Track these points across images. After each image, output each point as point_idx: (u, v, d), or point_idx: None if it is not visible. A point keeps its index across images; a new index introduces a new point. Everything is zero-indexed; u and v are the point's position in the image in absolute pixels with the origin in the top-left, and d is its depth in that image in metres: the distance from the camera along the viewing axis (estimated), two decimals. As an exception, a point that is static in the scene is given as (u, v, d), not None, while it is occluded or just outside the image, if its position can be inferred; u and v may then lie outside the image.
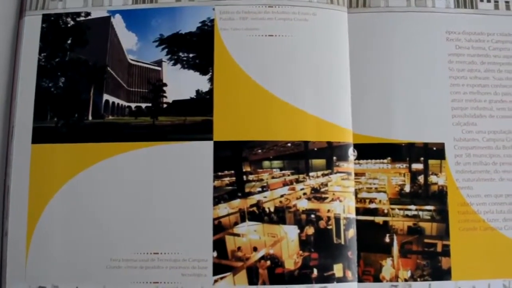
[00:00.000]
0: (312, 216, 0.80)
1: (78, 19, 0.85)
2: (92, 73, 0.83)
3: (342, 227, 0.79)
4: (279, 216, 0.80)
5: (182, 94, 0.82)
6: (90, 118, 0.82)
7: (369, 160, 0.81)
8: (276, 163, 0.82)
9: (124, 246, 0.78)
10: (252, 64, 0.82)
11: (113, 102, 0.83)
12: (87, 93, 0.83)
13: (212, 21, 0.83)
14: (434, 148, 0.82)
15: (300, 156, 0.81)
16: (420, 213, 0.81)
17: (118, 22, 0.84)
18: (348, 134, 0.81)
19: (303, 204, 0.81)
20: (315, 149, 0.81)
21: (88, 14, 0.85)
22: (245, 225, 0.79)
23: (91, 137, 0.81)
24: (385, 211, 0.81)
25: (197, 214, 0.78)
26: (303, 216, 0.80)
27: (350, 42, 0.83)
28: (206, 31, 0.83)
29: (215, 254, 0.77)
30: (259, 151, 0.81)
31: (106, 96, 0.83)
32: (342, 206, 0.80)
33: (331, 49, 0.83)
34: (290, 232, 0.79)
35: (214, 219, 0.78)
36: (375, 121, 0.82)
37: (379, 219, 0.80)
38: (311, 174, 0.82)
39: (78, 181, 0.80)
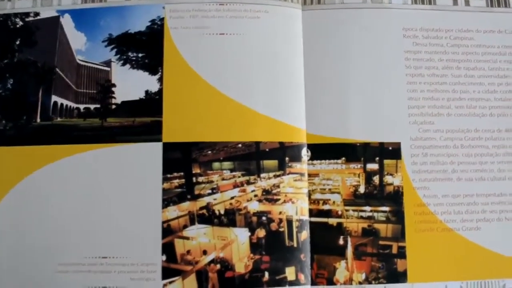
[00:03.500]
0: (264, 218, 0.76)
1: (27, 19, 0.81)
2: (41, 74, 0.79)
3: (294, 230, 0.75)
4: (229, 218, 0.76)
5: (131, 95, 0.78)
6: (38, 120, 0.78)
7: (323, 161, 0.77)
8: (227, 164, 0.77)
9: (72, 251, 0.74)
10: (202, 63, 0.78)
11: (62, 104, 0.79)
12: (36, 95, 0.79)
13: (162, 19, 0.79)
14: (390, 148, 0.78)
15: (251, 157, 0.76)
16: (375, 214, 0.76)
17: (67, 22, 0.80)
18: (301, 134, 0.77)
19: (254, 206, 0.77)
20: (267, 149, 0.77)
21: (37, 14, 0.81)
22: (194, 228, 0.75)
23: (39, 139, 0.77)
24: (339, 212, 0.77)
25: (145, 217, 0.74)
26: (254, 219, 0.76)
27: (304, 40, 0.79)
28: (156, 30, 0.79)
29: (164, 257, 0.73)
30: (209, 152, 0.76)
31: (54, 98, 0.79)
32: (295, 207, 0.76)
33: (284, 48, 0.78)
34: (240, 235, 0.75)
35: (163, 222, 0.74)
36: (330, 121, 0.77)
37: (332, 221, 0.76)
38: (262, 175, 0.77)
39: (25, 185, 0.76)
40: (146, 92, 0.77)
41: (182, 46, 0.78)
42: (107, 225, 0.74)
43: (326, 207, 0.76)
